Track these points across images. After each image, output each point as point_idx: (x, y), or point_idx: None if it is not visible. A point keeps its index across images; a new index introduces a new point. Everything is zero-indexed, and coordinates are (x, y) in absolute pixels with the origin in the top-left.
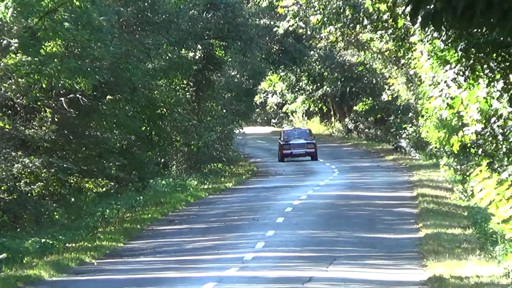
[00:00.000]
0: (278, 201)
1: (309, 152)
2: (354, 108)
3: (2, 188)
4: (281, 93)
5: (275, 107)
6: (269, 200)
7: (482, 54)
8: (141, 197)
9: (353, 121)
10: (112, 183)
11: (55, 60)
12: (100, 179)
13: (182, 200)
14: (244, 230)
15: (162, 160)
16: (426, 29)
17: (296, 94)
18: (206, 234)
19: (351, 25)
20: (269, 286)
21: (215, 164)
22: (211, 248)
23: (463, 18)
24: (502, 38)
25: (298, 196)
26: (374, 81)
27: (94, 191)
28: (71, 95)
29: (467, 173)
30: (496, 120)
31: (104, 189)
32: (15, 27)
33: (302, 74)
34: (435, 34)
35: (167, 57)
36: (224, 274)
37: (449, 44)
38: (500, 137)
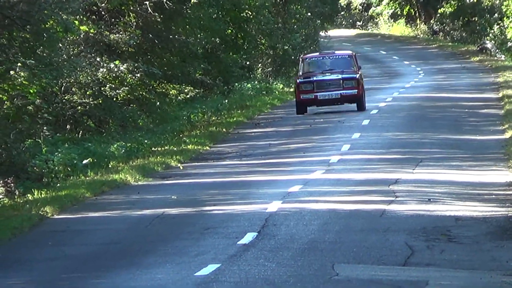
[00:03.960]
0: None
1: (348, 95)
2: (440, 10)
3: (88, 93)
4: None
5: (360, 9)
6: None
7: None
8: (227, 101)
9: (438, 23)
10: (197, 90)
11: None
12: (184, 85)
13: (268, 103)
14: (330, 133)
15: (247, 63)
16: None
17: None
18: (292, 137)
19: None
20: (355, 188)
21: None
22: (297, 151)
23: None
24: None
25: (384, 98)
26: None
27: (179, 97)
28: None
29: None
30: None
31: (188, 96)
32: None
33: None
34: None
35: None
36: (310, 177)
37: None
38: None
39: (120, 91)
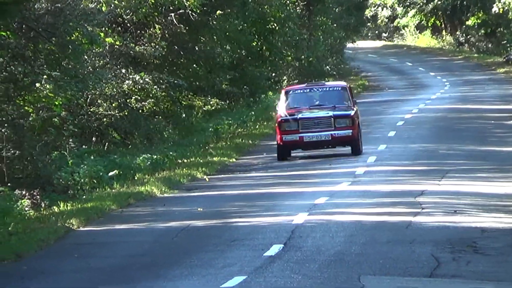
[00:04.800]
0: (390, 115)
1: (341, 136)
2: (467, 22)
3: (113, 105)
4: (391, 6)
5: (386, 20)
6: (380, 114)
7: None
8: (252, 112)
9: (464, 34)
10: (223, 101)
11: None
12: (210, 97)
13: None
14: None
15: (273, 74)
16: None
17: (406, 8)
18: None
19: None
20: (381, 200)
21: (326, 78)
22: (323, 163)
23: None
24: None
25: (410, 110)
26: None
27: (204, 109)
28: (180, 11)
29: None
30: None
31: (214, 108)
32: None
33: None
34: None
35: None
36: (336, 189)
37: None
38: None
39: (146, 103)
